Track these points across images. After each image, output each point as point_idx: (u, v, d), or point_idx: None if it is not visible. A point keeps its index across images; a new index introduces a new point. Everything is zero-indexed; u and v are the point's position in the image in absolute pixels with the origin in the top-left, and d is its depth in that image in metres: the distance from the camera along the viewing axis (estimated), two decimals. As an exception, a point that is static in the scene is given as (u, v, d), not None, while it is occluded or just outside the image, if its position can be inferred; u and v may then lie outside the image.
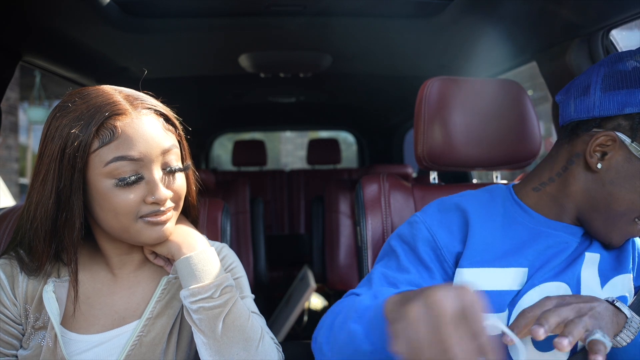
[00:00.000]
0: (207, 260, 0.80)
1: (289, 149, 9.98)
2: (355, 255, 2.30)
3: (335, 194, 2.38)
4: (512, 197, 0.91)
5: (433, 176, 1.24)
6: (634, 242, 0.90)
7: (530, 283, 0.82)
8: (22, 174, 7.14)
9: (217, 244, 0.94)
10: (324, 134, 6.43)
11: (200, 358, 0.79)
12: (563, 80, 1.40)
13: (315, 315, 2.72)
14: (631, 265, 0.87)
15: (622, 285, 0.85)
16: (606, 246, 0.86)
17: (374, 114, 3.31)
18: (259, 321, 0.86)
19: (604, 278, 0.85)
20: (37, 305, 0.79)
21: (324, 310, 2.78)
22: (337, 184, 2.44)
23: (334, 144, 3.63)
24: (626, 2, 1.09)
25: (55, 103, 0.79)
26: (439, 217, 0.89)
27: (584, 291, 0.83)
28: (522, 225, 0.87)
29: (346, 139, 5.53)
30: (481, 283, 0.82)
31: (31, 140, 8.00)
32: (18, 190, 6.08)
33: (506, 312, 0.82)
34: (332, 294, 2.62)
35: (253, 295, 0.92)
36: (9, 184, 5.52)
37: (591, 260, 0.85)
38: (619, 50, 1.29)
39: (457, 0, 1.32)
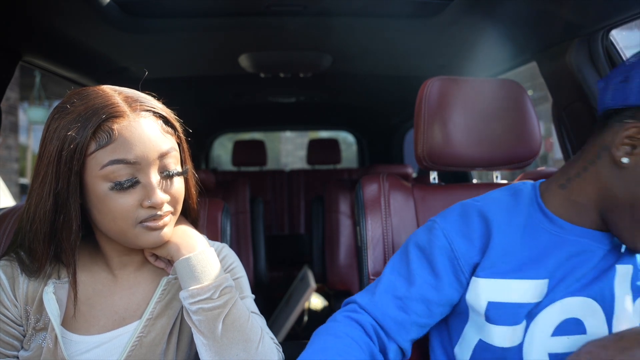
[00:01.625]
0: (207, 261, 0.80)
1: (289, 149, 9.98)
2: (355, 255, 2.30)
3: (335, 194, 2.38)
4: (536, 201, 0.85)
5: (433, 176, 1.24)
6: None
7: (551, 297, 0.78)
8: (22, 174, 7.14)
9: (217, 244, 0.94)
10: (324, 134, 6.42)
11: (200, 359, 0.79)
12: (563, 80, 1.40)
13: (315, 315, 2.72)
14: None
15: None
16: (633, 253, 0.80)
17: (374, 114, 3.31)
18: (258, 321, 0.85)
19: (637, 292, 0.79)
20: (37, 307, 0.79)
21: (324, 310, 2.78)
22: (337, 184, 2.44)
23: (334, 144, 3.63)
24: (626, 2, 1.09)
25: (55, 103, 0.79)
26: (458, 224, 0.85)
27: (618, 309, 0.77)
28: (544, 233, 0.82)
29: (346, 139, 5.53)
30: (498, 294, 0.79)
31: (31, 140, 8.01)
32: (18, 190, 6.08)
33: (523, 324, 0.79)
34: (332, 294, 2.62)
35: (253, 296, 0.92)
36: (9, 184, 5.52)
37: (623, 273, 0.79)
38: (619, 51, 1.29)
39: (457, 0, 1.32)
